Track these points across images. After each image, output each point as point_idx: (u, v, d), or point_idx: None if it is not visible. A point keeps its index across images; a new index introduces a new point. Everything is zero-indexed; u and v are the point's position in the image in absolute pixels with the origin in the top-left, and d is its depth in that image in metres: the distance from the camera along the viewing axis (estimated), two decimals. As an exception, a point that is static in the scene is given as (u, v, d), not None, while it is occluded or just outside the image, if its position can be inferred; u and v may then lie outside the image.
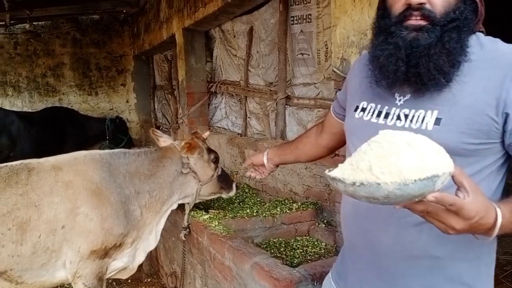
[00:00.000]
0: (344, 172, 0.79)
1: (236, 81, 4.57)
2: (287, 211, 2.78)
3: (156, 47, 6.43)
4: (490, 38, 1.05)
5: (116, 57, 7.70)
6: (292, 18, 3.49)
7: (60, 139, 5.93)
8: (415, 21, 0.99)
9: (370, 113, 1.13)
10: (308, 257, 2.39)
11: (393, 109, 1.08)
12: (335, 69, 2.38)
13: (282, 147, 1.73)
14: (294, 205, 2.89)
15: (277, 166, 1.75)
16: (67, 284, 2.24)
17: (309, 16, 3.31)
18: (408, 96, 1.06)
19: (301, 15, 3.40)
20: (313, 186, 2.93)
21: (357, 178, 0.75)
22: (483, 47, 1.02)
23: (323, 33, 3.17)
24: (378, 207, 0.82)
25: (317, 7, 3.21)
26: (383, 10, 1.08)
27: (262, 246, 2.52)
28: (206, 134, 2.69)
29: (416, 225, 1.00)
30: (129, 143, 6.82)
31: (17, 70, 7.09)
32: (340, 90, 1.42)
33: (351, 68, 1.37)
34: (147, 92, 7.76)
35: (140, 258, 2.42)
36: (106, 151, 2.41)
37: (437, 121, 0.99)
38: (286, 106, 3.66)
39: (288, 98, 3.61)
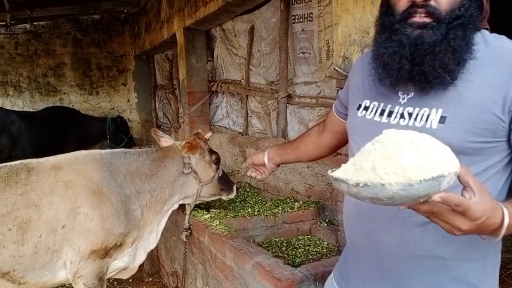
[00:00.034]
0: (347, 172, 0.77)
1: (237, 80, 4.56)
2: (289, 210, 2.77)
3: (157, 47, 6.43)
4: (495, 35, 1.03)
5: (117, 56, 7.70)
6: (293, 17, 3.47)
7: (61, 139, 5.93)
8: (420, 18, 0.98)
9: (373, 112, 1.12)
10: (310, 257, 2.38)
11: (397, 107, 1.06)
12: (336, 68, 2.36)
13: (283, 147, 1.72)
14: (296, 204, 2.88)
15: (278, 165, 1.74)
16: (68, 284, 2.23)
17: (311, 15, 3.29)
18: (411, 94, 1.04)
19: (302, 14, 3.38)
20: (315, 185, 2.92)
21: (360, 179, 0.74)
22: (488, 45, 1.00)
23: (324, 32, 3.15)
24: (381, 206, 0.81)
25: (319, 6, 3.19)
26: (386, 7, 1.06)
27: (263, 246, 2.51)
28: (208, 135, 2.68)
29: (420, 225, 0.99)
30: (130, 143, 6.81)
31: (18, 70, 7.09)
32: (342, 88, 1.41)
33: (353, 66, 1.36)
34: (148, 91, 7.75)
35: (141, 258, 2.41)
36: (107, 150, 2.41)
37: (442, 119, 0.97)
38: (287, 105, 3.65)
39: (289, 97, 3.60)
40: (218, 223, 2.50)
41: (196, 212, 2.69)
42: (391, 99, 1.08)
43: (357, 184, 0.73)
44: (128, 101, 7.86)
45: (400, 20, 1.00)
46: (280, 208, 2.80)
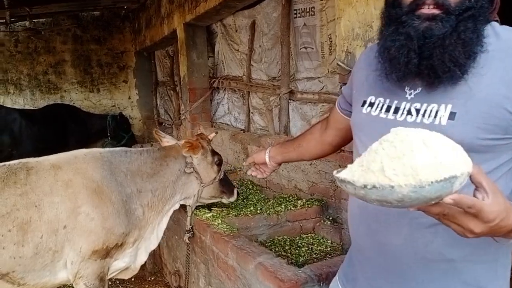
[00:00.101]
0: (354, 173, 0.74)
1: (239, 76, 4.53)
2: (292, 208, 2.74)
3: (157, 43, 6.40)
4: (505, 27, 1.00)
5: (117, 53, 7.67)
6: (295, 11, 3.44)
7: (62, 136, 5.93)
8: (428, 10, 0.94)
9: (379, 108, 1.08)
10: (314, 256, 2.35)
11: (403, 103, 1.03)
12: (339, 63, 2.33)
13: (285, 145, 1.67)
14: (299, 202, 2.85)
15: (279, 164, 1.70)
16: (69, 284, 2.21)
17: (313, 9, 3.25)
18: (419, 90, 1.01)
19: (304, 8, 3.34)
20: (318, 182, 2.89)
21: (368, 181, 0.70)
22: (499, 37, 0.97)
23: (327, 26, 3.11)
24: None
25: (321, 0, 3.14)
26: None
27: (266, 245, 2.49)
28: (211, 135, 2.65)
29: (430, 226, 0.95)
30: (132, 140, 6.79)
31: (18, 68, 7.08)
32: (345, 84, 1.37)
33: (357, 61, 1.32)
34: (149, 88, 7.73)
35: (142, 258, 2.39)
36: (107, 149, 2.39)
37: (452, 115, 0.94)
38: (289, 101, 3.63)
39: (291, 93, 3.57)
40: (220, 221, 2.47)
41: (198, 210, 2.66)
42: (397, 95, 1.05)
43: (365, 186, 0.70)
44: (129, 98, 7.84)
45: (407, 12, 0.97)
46: (283, 206, 2.78)
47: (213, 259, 2.38)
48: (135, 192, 2.25)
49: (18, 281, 2.03)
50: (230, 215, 2.65)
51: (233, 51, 4.56)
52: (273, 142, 3.26)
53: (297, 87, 3.54)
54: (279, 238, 2.60)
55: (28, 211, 1.98)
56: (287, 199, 2.96)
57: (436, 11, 0.94)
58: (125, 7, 7.09)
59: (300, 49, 3.44)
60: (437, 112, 0.96)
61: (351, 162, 0.81)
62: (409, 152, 0.71)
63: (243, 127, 4.52)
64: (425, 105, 0.98)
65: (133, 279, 3.35)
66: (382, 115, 1.06)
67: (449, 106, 0.95)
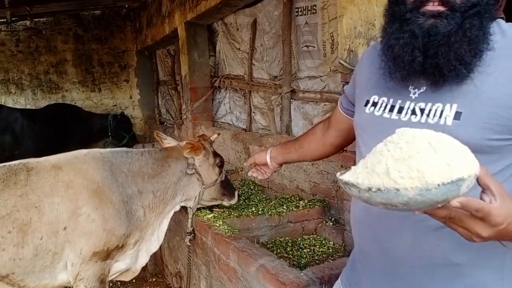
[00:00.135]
0: (358, 176, 0.71)
1: (240, 75, 4.51)
2: (294, 209, 2.72)
3: (158, 42, 6.39)
4: (511, 24, 0.97)
5: (118, 52, 7.66)
6: (296, 10, 3.42)
7: (63, 136, 5.93)
8: (433, 6, 0.92)
9: (382, 108, 1.06)
10: (316, 257, 2.33)
11: (407, 103, 1.01)
12: (342, 61, 2.30)
13: (286, 145, 1.65)
14: (301, 202, 2.82)
15: (280, 165, 1.68)
16: (70, 286, 2.20)
17: (314, 7, 3.23)
18: (423, 89, 0.99)
19: (305, 6, 3.33)
20: (320, 182, 2.86)
21: (373, 183, 0.68)
22: (505, 35, 0.95)
23: (328, 24, 3.09)
24: None
25: (322, -2, 3.12)
26: None
27: (268, 246, 2.47)
28: (213, 137, 2.63)
29: (435, 229, 0.93)
30: (133, 140, 6.77)
31: (19, 68, 7.08)
32: (347, 83, 1.35)
33: (359, 60, 1.30)
34: (150, 87, 7.72)
35: (143, 259, 2.38)
36: (108, 149, 2.37)
37: (457, 115, 0.91)
38: (291, 100, 3.61)
39: (293, 92, 3.55)
40: (221, 223, 2.45)
41: (199, 211, 2.64)
42: (401, 94, 1.02)
43: (370, 189, 0.68)
44: (131, 97, 7.83)
45: (411, 9, 0.95)
46: (284, 207, 2.75)
47: (214, 260, 2.36)
48: (136, 193, 2.23)
49: (18, 283, 2.02)
50: (232, 216, 2.63)
51: (234, 50, 4.54)
52: (275, 141, 3.24)
53: (299, 86, 3.52)
54: (280, 239, 2.57)
55: (28, 212, 1.97)
56: (289, 199, 2.94)
57: (441, 8, 0.92)
58: (126, 6, 7.08)
59: (302, 47, 3.41)
60: (442, 111, 0.94)
61: (354, 162, 0.79)
62: (415, 154, 0.69)
63: (244, 127, 4.50)
64: (429, 104, 0.96)
65: (134, 281, 3.33)
66: (386, 115, 1.04)
67: (455, 106, 0.92)
